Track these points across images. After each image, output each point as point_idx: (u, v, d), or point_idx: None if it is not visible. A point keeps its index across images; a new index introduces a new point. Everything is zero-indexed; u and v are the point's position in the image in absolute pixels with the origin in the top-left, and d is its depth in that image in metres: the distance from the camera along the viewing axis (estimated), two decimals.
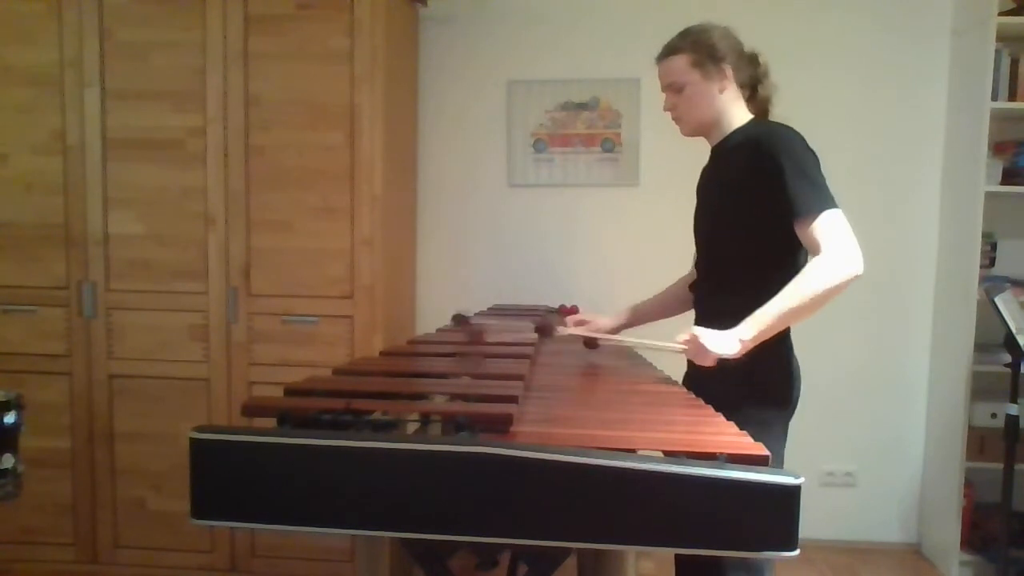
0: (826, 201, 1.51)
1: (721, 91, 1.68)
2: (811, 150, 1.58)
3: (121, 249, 2.64)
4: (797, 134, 1.60)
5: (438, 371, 1.47)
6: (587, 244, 3.14)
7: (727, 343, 1.46)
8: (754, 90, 1.74)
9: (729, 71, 1.67)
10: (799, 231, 1.54)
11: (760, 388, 1.61)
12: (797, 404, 1.70)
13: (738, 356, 1.47)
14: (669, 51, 1.71)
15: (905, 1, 2.99)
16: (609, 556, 1.14)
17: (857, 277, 1.46)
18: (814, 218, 1.50)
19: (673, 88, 1.71)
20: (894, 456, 3.11)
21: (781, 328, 1.52)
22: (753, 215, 1.61)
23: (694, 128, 1.74)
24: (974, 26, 2.80)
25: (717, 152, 1.75)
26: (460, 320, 2.12)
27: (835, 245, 1.47)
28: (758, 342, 1.49)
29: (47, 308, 2.66)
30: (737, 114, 1.71)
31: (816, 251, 1.49)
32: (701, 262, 1.81)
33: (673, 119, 1.75)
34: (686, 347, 1.49)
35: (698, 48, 1.67)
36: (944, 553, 2.88)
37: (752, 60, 1.74)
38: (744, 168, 1.62)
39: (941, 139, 3.02)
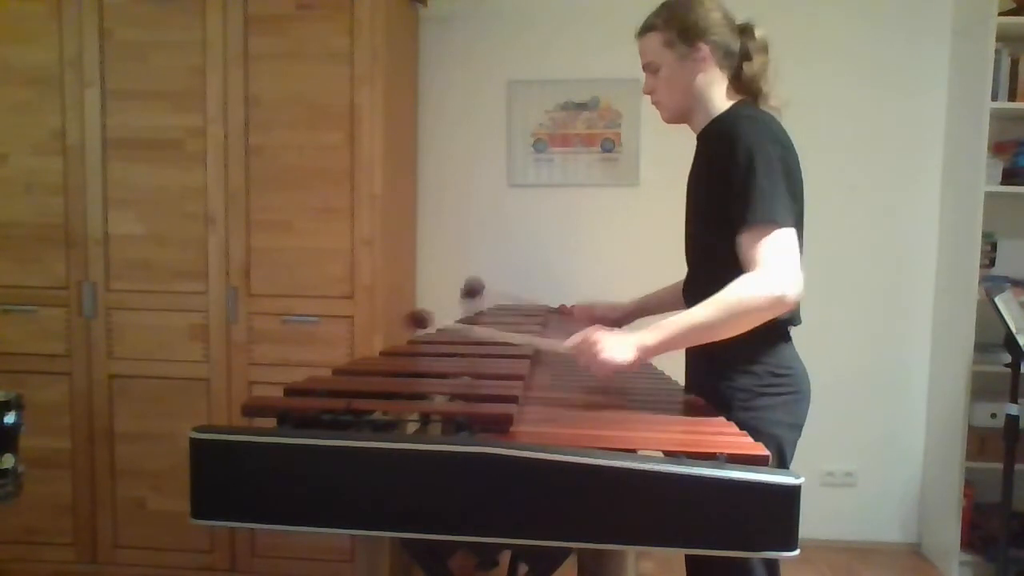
0: (774, 215, 1.32)
1: (698, 73, 1.50)
2: (778, 153, 1.38)
3: (121, 249, 2.64)
4: (767, 130, 1.41)
5: (438, 371, 1.47)
6: (587, 244, 3.14)
7: (622, 350, 1.30)
8: (740, 68, 1.53)
9: (706, 51, 1.48)
10: (739, 240, 1.35)
11: (764, 418, 1.46)
12: (804, 422, 1.56)
13: (633, 366, 1.32)
14: (644, 28, 1.56)
15: (905, 1, 2.99)
16: (609, 556, 1.13)
17: (789, 304, 1.29)
18: (757, 232, 1.32)
19: (650, 69, 1.57)
20: (894, 456, 3.11)
21: (693, 342, 1.37)
22: (723, 213, 1.42)
23: (673, 113, 1.57)
24: (974, 26, 2.80)
25: (700, 141, 1.58)
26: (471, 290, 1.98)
27: (771, 265, 1.29)
28: (661, 352, 1.33)
29: (47, 308, 2.65)
30: (720, 98, 1.52)
31: (751, 267, 1.31)
32: (687, 260, 1.65)
33: (653, 103, 1.60)
34: (575, 350, 1.35)
35: (671, 26, 1.50)
36: (944, 553, 2.88)
37: (745, 32, 1.53)
38: (710, 165, 1.47)
39: (941, 139, 3.02)
